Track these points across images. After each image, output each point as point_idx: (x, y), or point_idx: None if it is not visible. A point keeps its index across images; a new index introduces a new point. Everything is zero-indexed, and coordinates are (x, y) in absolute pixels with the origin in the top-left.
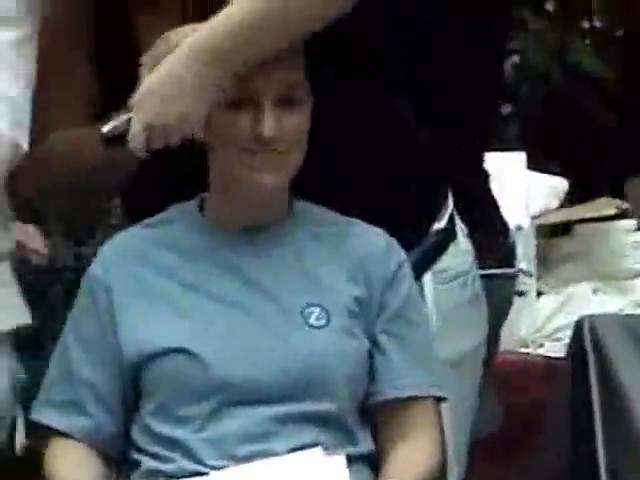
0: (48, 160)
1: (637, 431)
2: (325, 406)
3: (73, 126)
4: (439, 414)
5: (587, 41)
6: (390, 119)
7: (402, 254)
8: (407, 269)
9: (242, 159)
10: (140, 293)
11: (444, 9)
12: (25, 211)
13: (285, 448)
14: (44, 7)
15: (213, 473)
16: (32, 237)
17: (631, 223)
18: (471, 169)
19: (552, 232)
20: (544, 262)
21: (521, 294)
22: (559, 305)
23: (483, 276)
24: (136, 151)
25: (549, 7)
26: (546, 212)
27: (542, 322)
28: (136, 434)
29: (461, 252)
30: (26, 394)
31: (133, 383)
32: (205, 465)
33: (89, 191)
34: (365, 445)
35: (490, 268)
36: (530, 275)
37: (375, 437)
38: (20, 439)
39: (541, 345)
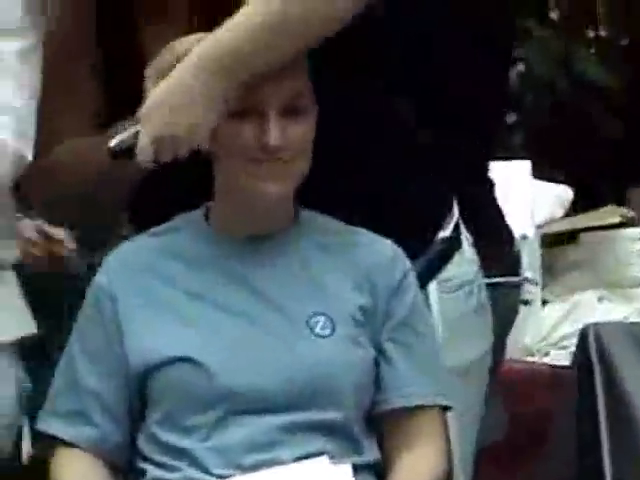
0: (54, 171)
1: None
2: (331, 415)
3: (78, 136)
4: (445, 423)
5: (592, 50)
6: (390, 119)
7: (407, 263)
8: (412, 278)
9: (247, 168)
10: (146, 302)
11: (445, 9)
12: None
13: (291, 457)
14: (49, 20)
15: None
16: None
17: (636, 231)
18: (476, 178)
19: (557, 241)
20: (549, 271)
21: (526, 303)
22: (565, 313)
23: (488, 285)
24: (144, 164)
25: (554, 16)
26: (551, 221)
27: (547, 331)
28: (142, 443)
29: (466, 261)
30: (32, 403)
31: (139, 392)
32: (211, 474)
33: (95, 202)
34: (371, 454)
35: (495, 277)
36: (535, 284)
37: (381, 446)
38: (26, 448)
39: (547, 353)
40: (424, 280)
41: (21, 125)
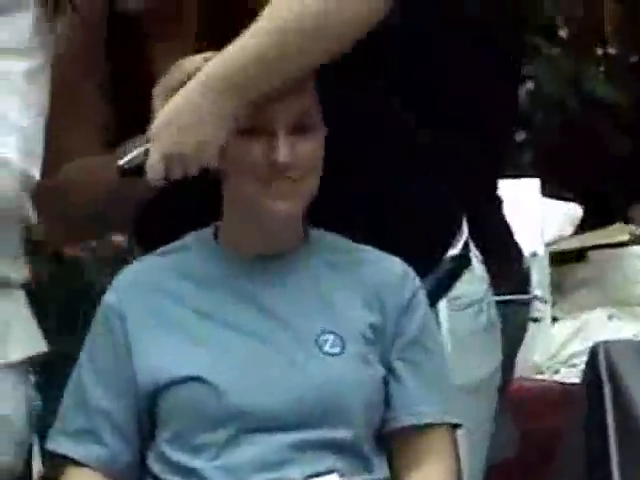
0: (63, 190)
1: None
2: (341, 433)
3: (87, 155)
4: (454, 441)
5: (601, 68)
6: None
7: (417, 281)
8: (422, 296)
9: (256, 187)
10: (155, 321)
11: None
12: None
13: (301, 475)
14: (58, 39)
15: None
16: None
17: None
18: (485, 195)
19: (566, 258)
20: (559, 288)
21: (536, 320)
22: (574, 331)
23: (498, 303)
24: (154, 182)
25: (563, 34)
26: (560, 238)
27: (557, 348)
28: (152, 462)
29: (476, 279)
30: (42, 422)
31: (149, 411)
32: None
33: (105, 221)
34: (381, 472)
35: (505, 295)
36: (545, 301)
37: (391, 464)
38: (37, 467)
39: (556, 371)
40: (434, 298)
41: (28, 144)
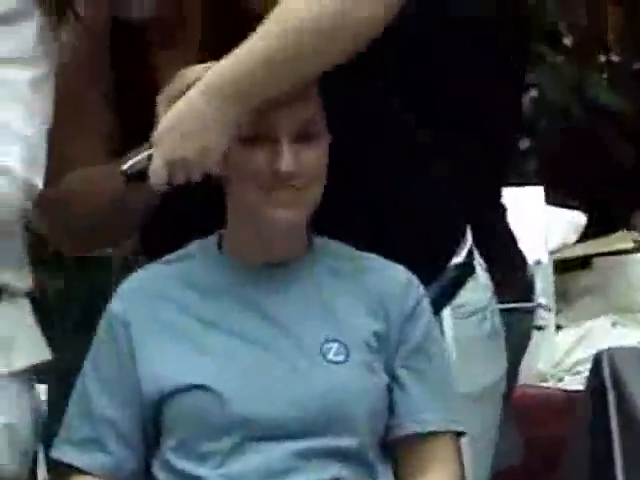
0: (65, 201)
1: None
2: (346, 441)
3: (91, 163)
4: (459, 449)
5: (604, 75)
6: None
7: (421, 289)
8: (426, 304)
9: (260, 195)
10: (159, 329)
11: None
12: None
13: None
14: (62, 49)
15: None
16: None
17: None
18: (489, 203)
19: (570, 266)
20: (563, 296)
21: (540, 328)
22: (578, 339)
23: (502, 311)
24: (157, 187)
25: (566, 42)
26: (564, 246)
27: (561, 356)
28: (157, 470)
29: (480, 287)
30: (47, 430)
31: (153, 420)
32: None
33: (108, 231)
34: None
35: (509, 303)
36: (549, 309)
37: (395, 472)
38: (42, 476)
39: (560, 379)
40: (438, 306)
41: (32, 153)
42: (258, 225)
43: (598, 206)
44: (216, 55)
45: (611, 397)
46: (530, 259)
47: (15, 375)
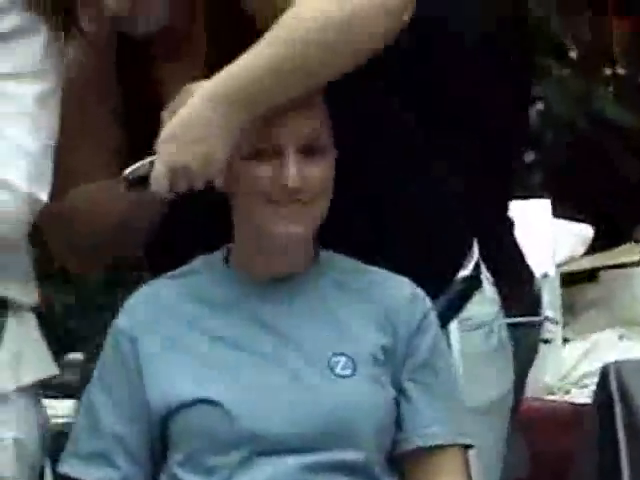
0: (68, 219)
1: None
2: (353, 455)
3: (97, 178)
4: (466, 462)
5: (610, 88)
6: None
7: (427, 302)
8: (432, 317)
9: (265, 210)
10: (167, 345)
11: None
12: None
13: None
14: (69, 63)
15: None
16: None
17: None
18: (495, 217)
19: (577, 279)
20: (570, 309)
21: (547, 342)
22: (585, 352)
23: (509, 324)
24: (158, 195)
25: (572, 55)
26: (571, 259)
27: (568, 369)
28: None
29: (487, 300)
30: (54, 445)
31: (161, 434)
32: None
33: (113, 248)
34: None
35: (516, 316)
36: (556, 323)
37: None
38: None
39: (567, 392)
40: (445, 319)
41: (37, 168)
42: (264, 239)
43: (605, 219)
44: (221, 69)
45: (618, 410)
46: (537, 272)
47: (23, 390)
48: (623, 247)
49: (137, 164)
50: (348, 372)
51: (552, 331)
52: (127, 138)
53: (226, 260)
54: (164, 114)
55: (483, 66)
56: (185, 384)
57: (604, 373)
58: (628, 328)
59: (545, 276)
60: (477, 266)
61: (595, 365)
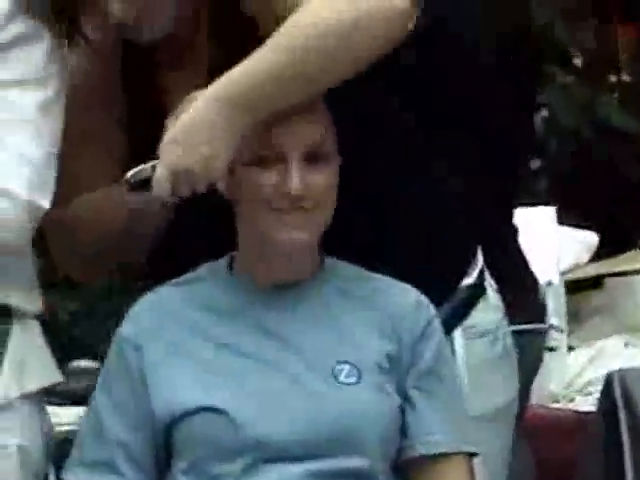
0: (71, 228)
1: None
2: (357, 463)
3: (100, 185)
4: (471, 470)
5: (615, 95)
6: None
7: (431, 310)
8: (437, 325)
9: (269, 217)
10: (171, 352)
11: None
12: None
13: None
14: (73, 72)
15: None
16: None
17: None
18: (500, 224)
19: (582, 286)
20: (575, 317)
21: (552, 349)
22: (589, 359)
23: (514, 332)
24: (160, 198)
25: (577, 62)
26: (576, 266)
27: (572, 377)
28: None
29: (491, 307)
30: (59, 452)
31: (165, 442)
32: None
33: (115, 258)
34: None
35: (521, 324)
36: (561, 330)
37: None
38: None
39: (572, 400)
40: (449, 327)
41: (39, 176)
42: (268, 246)
43: (610, 226)
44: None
45: (623, 417)
46: (542, 280)
47: (27, 397)
48: (628, 254)
49: (139, 167)
50: (353, 380)
51: (557, 339)
52: (131, 146)
53: (230, 267)
54: (168, 122)
55: (483, 66)
56: (189, 392)
57: (608, 381)
58: (633, 335)
59: (550, 284)
60: (481, 273)
61: (600, 372)
